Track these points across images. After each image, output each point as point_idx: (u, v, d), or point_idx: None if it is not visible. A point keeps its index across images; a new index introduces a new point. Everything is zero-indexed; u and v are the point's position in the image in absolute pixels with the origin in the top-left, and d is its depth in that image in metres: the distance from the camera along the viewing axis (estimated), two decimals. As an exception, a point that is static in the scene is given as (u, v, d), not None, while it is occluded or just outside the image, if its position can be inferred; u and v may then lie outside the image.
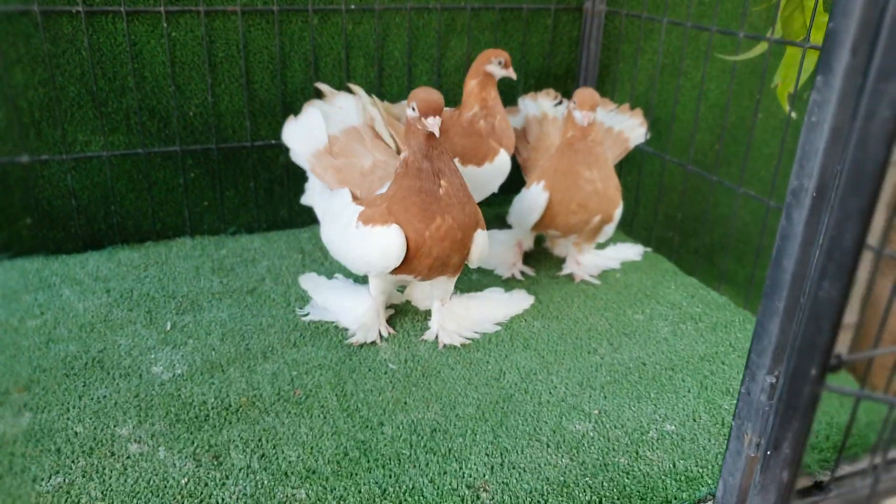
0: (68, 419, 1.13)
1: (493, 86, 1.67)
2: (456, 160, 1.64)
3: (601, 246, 1.78)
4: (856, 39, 0.70)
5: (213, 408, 1.17)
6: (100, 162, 1.65)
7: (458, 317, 1.43)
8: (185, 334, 1.37)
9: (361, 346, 1.35)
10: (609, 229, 1.63)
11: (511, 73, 1.64)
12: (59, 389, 1.20)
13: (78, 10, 1.50)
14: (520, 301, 1.54)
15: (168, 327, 1.39)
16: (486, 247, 1.36)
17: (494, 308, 1.50)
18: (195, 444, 1.09)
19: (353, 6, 1.72)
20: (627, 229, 1.96)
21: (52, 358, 1.28)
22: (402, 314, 1.48)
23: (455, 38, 1.86)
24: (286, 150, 1.56)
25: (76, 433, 1.10)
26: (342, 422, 1.16)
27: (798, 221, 0.79)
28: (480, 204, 1.75)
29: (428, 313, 1.47)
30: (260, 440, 1.11)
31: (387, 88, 1.84)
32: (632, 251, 1.77)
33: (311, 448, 1.10)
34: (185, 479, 1.02)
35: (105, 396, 1.19)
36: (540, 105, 1.81)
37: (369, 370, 1.29)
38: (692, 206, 1.77)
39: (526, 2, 1.89)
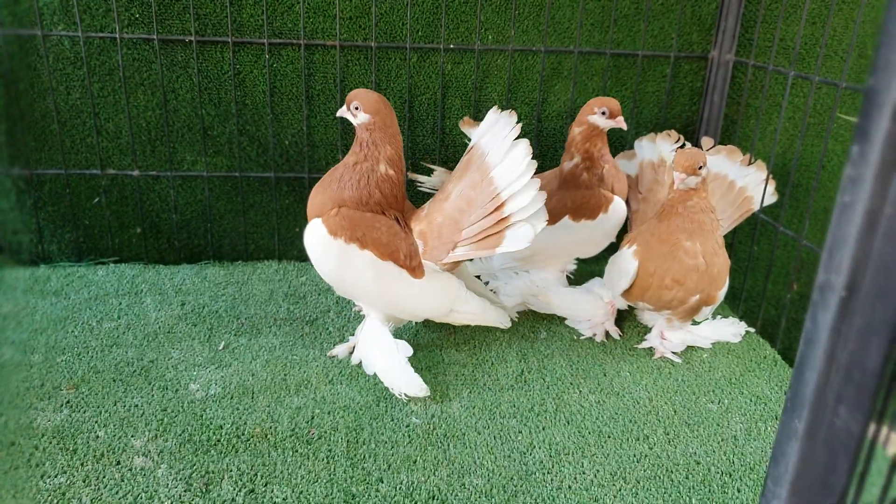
0: (96, 422, 1.18)
1: (601, 138, 1.56)
2: (566, 217, 1.55)
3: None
4: (899, 101, 0.54)
5: (226, 433, 1.17)
6: (202, 181, 1.75)
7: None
8: (233, 356, 1.40)
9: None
10: (708, 310, 1.44)
11: (620, 124, 1.53)
12: (102, 392, 1.26)
13: (191, 39, 1.62)
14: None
15: (221, 346, 1.43)
16: None
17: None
18: (194, 468, 1.09)
19: (452, 45, 1.70)
20: (732, 303, 1.73)
21: (109, 361, 1.35)
22: (441, 369, 1.40)
23: (560, 82, 1.77)
24: None
25: (97, 437, 1.15)
26: (342, 470, 1.10)
27: (824, 326, 0.63)
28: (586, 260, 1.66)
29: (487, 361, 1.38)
30: (255, 474, 1.08)
31: (482, 130, 1.79)
32: (730, 330, 1.55)
33: (301, 493, 1.05)
34: (169, 503, 1.02)
35: (136, 405, 1.23)
36: (658, 148, 1.66)
37: (392, 420, 1.23)
38: (808, 288, 1.52)
39: (642, 48, 1.76)
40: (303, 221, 1.79)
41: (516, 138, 1.27)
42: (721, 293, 1.40)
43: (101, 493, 1.03)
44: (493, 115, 1.33)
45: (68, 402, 1.23)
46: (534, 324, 1.57)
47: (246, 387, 1.30)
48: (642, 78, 1.79)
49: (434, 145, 1.79)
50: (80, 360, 1.35)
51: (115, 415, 1.20)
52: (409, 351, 1.33)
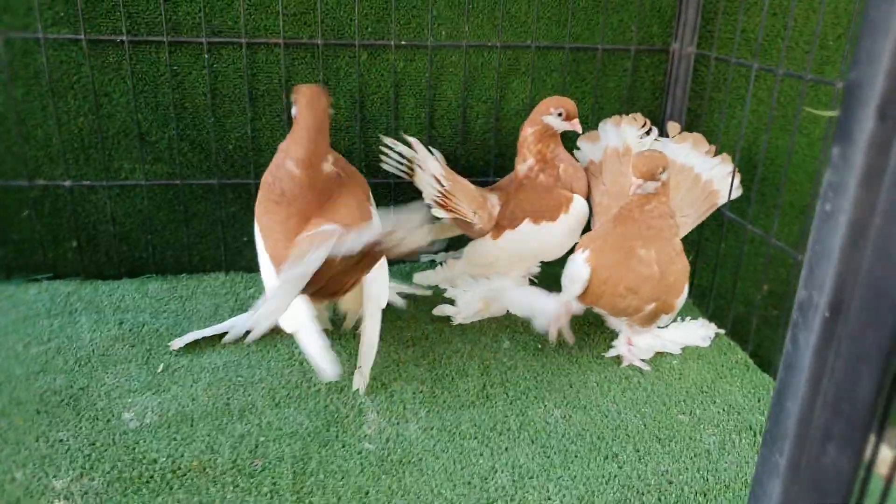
0: (13, 461, 1.07)
1: (554, 139, 1.51)
2: (526, 221, 1.48)
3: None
4: (885, 97, 0.47)
5: (160, 468, 1.07)
6: (141, 190, 1.64)
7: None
8: (172, 379, 1.29)
9: (346, 416, 1.20)
10: (668, 318, 1.38)
11: (576, 127, 1.48)
12: (24, 427, 1.15)
13: (122, 39, 1.50)
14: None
15: (160, 369, 1.32)
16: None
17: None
18: (122, 511, 0.99)
19: (403, 42, 1.61)
20: (701, 302, 1.68)
21: (34, 390, 1.24)
22: (399, 387, 1.32)
23: (518, 79, 1.70)
24: None
25: (13, 479, 1.04)
26: (287, 507, 1.01)
27: (805, 348, 0.56)
28: (549, 263, 1.58)
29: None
30: (190, 516, 0.99)
31: (438, 131, 1.71)
32: (699, 333, 1.49)
33: (240, 535, 0.96)
34: (91, 553, 0.92)
35: (61, 441, 1.12)
36: (623, 133, 1.59)
37: (343, 447, 1.14)
38: (778, 287, 1.47)
39: (602, 41, 1.69)
40: (250, 230, 1.69)
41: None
42: (679, 301, 1.34)
43: (15, 545, 0.92)
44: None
45: (-16, 439, 1.12)
46: (497, 333, 1.50)
47: (185, 413, 1.20)
48: (602, 72, 1.73)
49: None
50: (1, 391, 1.23)
51: (36, 452, 1.09)
52: None
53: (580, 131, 1.49)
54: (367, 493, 1.04)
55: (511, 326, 1.52)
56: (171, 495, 1.02)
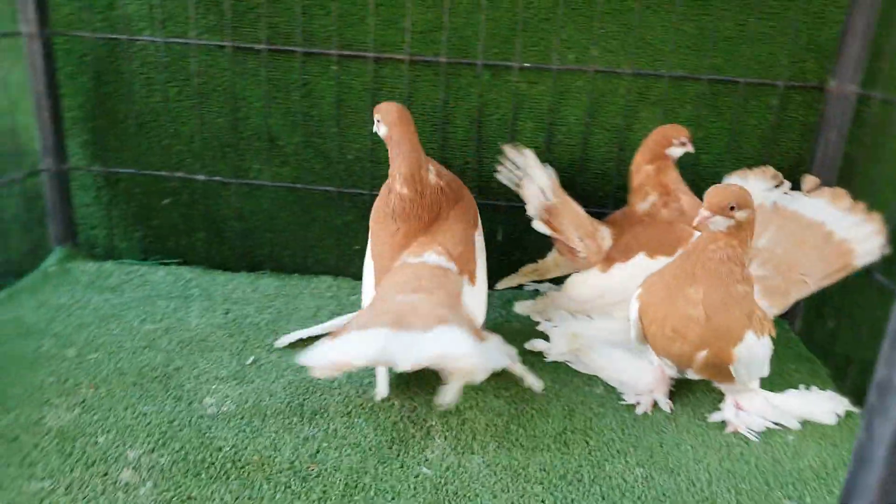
0: (100, 427, 1.14)
1: (673, 167, 1.42)
2: (640, 254, 1.40)
3: (781, 385, 1.34)
4: None
5: (223, 457, 1.09)
6: (266, 191, 1.73)
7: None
8: (257, 373, 1.33)
9: (413, 436, 1.17)
10: (742, 371, 1.21)
11: (691, 148, 1.39)
12: (118, 395, 1.23)
13: (262, 47, 1.60)
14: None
15: (249, 361, 1.37)
16: None
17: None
18: (177, 491, 1.02)
19: (527, 64, 1.57)
20: (838, 374, 1.47)
21: (136, 363, 1.33)
22: (472, 415, 1.26)
23: (647, 109, 1.60)
24: None
25: (96, 442, 1.10)
26: (330, 517, 0.99)
27: (881, 439, 0.45)
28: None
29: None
30: (237, 508, 0.99)
31: (556, 156, 1.65)
32: (825, 407, 1.30)
33: (278, 537, 0.95)
34: (139, 526, 0.95)
35: (144, 414, 1.18)
36: (750, 187, 1.45)
37: (401, 467, 1.10)
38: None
39: (745, 74, 1.55)
40: (362, 238, 1.72)
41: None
42: (739, 351, 1.17)
43: (77, 505, 0.98)
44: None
45: (83, 401, 1.20)
46: (592, 376, 1.40)
47: (260, 408, 1.22)
48: (743, 108, 1.58)
49: (503, 169, 1.66)
50: (110, 360, 1.33)
51: (122, 421, 1.16)
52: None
53: (693, 151, 1.44)
54: (412, 519, 1.00)
55: (607, 370, 1.41)
56: (225, 484, 1.04)
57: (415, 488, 1.06)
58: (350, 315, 1.45)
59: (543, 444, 1.18)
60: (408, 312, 1.11)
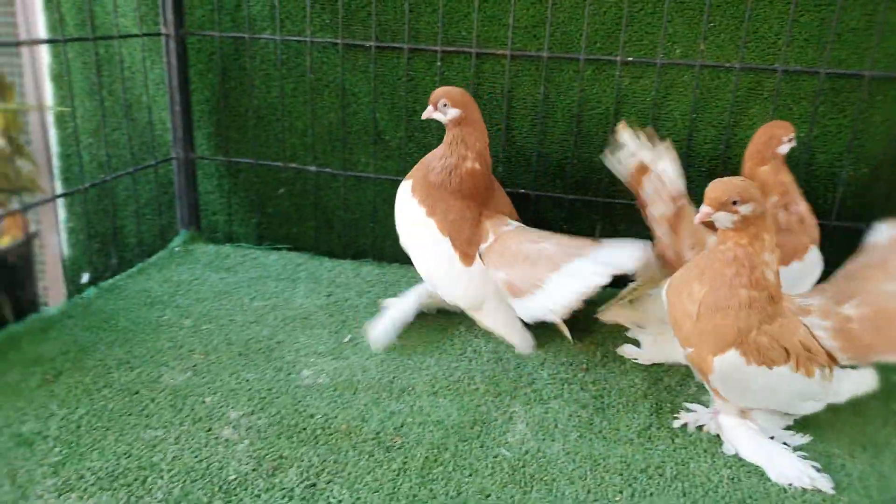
0: (208, 388, 1.24)
1: (786, 166, 1.37)
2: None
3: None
4: None
5: (314, 423, 1.16)
6: (371, 183, 1.81)
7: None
8: (353, 350, 1.40)
9: (494, 420, 1.19)
10: (720, 387, 1.13)
11: (794, 143, 1.34)
12: (226, 362, 1.33)
13: (371, 44, 1.68)
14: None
15: (346, 339, 1.44)
16: None
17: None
18: (270, 450, 1.09)
19: (631, 58, 1.56)
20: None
21: (243, 335, 1.43)
22: (557, 405, 1.26)
23: (757, 105, 1.54)
24: (534, 199, 1.62)
25: (203, 402, 1.21)
26: (409, 486, 1.03)
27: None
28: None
29: None
30: (323, 470, 1.05)
31: (658, 153, 1.61)
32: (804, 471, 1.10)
33: (358, 498, 1.00)
34: (235, 478, 1.03)
35: (247, 380, 1.28)
36: None
37: (480, 447, 1.13)
38: None
39: (871, 68, 1.46)
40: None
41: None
42: (718, 363, 1.08)
43: (183, 454, 1.07)
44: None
45: (195, 366, 1.31)
46: (685, 377, 1.36)
47: (352, 382, 1.29)
48: (869, 104, 1.49)
49: (601, 166, 1.65)
50: (221, 331, 1.44)
51: (227, 385, 1.26)
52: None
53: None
54: (488, 495, 1.02)
55: (701, 371, 1.37)
56: (314, 448, 1.10)
57: (493, 468, 1.08)
58: (419, 287, 1.53)
59: (626, 437, 1.17)
60: (580, 245, 1.30)
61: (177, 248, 1.85)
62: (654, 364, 1.38)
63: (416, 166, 1.47)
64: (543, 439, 1.15)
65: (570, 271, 1.25)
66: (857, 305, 1.13)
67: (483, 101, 1.67)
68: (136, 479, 1.01)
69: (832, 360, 1.12)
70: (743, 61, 1.51)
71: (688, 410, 1.23)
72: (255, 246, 1.91)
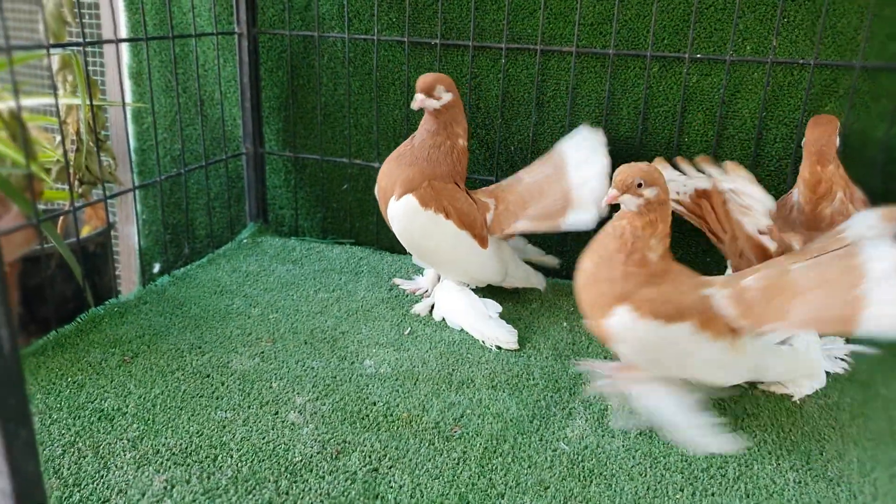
0: (275, 374, 1.29)
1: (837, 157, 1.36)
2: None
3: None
4: None
5: (376, 410, 1.19)
6: (433, 179, 1.83)
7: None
8: (413, 342, 1.42)
9: (554, 415, 1.20)
10: (626, 353, 1.19)
11: None
12: (291, 350, 1.37)
13: (436, 42, 1.70)
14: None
15: (406, 331, 1.47)
16: None
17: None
18: (334, 435, 1.12)
19: (699, 55, 1.53)
20: None
21: (309, 325, 1.47)
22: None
23: (833, 102, 1.49)
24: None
25: (270, 387, 1.25)
26: (468, 475, 1.04)
27: None
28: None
29: None
30: (385, 455, 1.08)
31: (726, 151, 1.58)
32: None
33: (418, 484, 1.02)
34: (300, 460, 1.06)
35: (312, 368, 1.31)
36: None
37: (540, 440, 1.13)
38: None
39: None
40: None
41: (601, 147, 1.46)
42: (609, 326, 1.13)
43: (251, 435, 1.11)
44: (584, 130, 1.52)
45: (262, 352, 1.36)
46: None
47: (413, 373, 1.31)
48: (957, 103, 1.43)
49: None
50: (287, 320, 1.49)
51: (292, 372, 1.30)
52: (498, 308, 1.51)
53: None
54: (547, 487, 1.02)
55: (767, 373, 1.34)
56: (376, 434, 1.13)
57: (551, 461, 1.08)
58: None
59: (689, 436, 1.15)
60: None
61: (245, 240, 1.92)
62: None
63: (401, 179, 1.45)
64: (603, 435, 1.15)
65: (580, 177, 1.44)
66: (757, 279, 1.14)
67: (546, 98, 1.67)
68: (207, 457, 1.06)
69: (733, 328, 1.13)
70: (818, 58, 1.47)
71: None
72: (319, 240, 1.96)
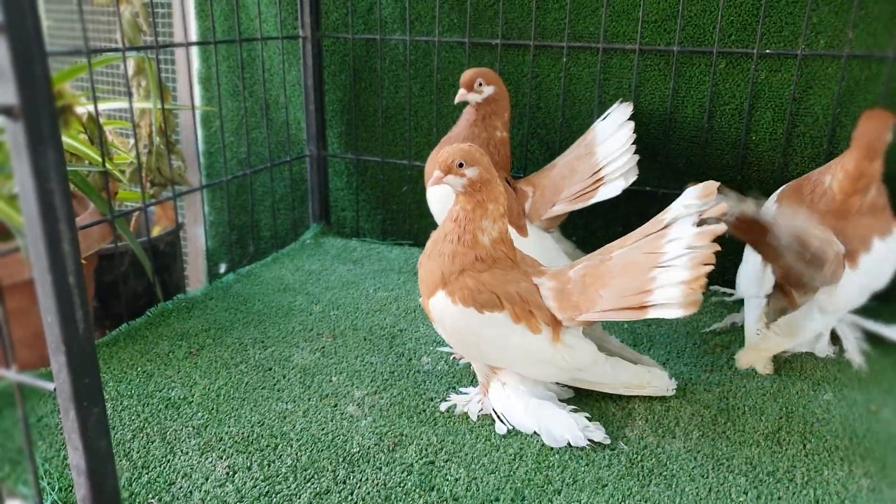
0: (335, 369, 1.31)
1: None
2: (875, 238, 1.30)
3: None
4: None
5: (433, 405, 1.19)
6: (492, 180, 1.82)
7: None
8: (471, 341, 1.42)
9: (614, 415, 1.17)
10: (447, 336, 1.21)
11: None
12: (351, 345, 1.39)
13: (497, 42, 1.70)
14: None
15: (464, 331, 1.46)
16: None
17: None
18: (392, 428, 1.13)
19: (768, 50, 1.49)
20: None
21: (368, 322, 1.49)
22: (678, 403, 1.22)
23: (912, 97, 1.43)
24: (661, 196, 1.60)
25: (330, 381, 1.27)
26: (524, 471, 1.03)
27: None
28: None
29: None
30: (441, 449, 1.08)
31: (796, 150, 1.53)
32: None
33: (474, 478, 1.02)
34: (357, 451, 1.07)
35: (371, 363, 1.33)
36: None
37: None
38: None
39: None
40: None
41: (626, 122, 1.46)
42: (431, 306, 1.14)
43: (311, 426, 1.13)
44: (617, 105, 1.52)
45: (323, 347, 1.38)
46: (821, 382, 1.28)
47: (469, 371, 1.31)
48: None
49: (734, 163, 1.59)
50: (347, 317, 1.51)
51: (352, 367, 1.31)
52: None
53: None
54: (605, 485, 1.01)
55: (840, 380, 1.29)
56: (433, 428, 1.13)
57: (609, 459, 1.06)
58: None
59: (753, 439, 1.11)
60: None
61: (308, 241, 1.96)
62: (785, 369, 1.31)
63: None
64: (663, 436, 1.12)
65: (606, 152, 1.45)
66: (579, 269, 1.13)
67: (608, 97, 1.65)
68: (268, 446, 1.08)
69: (556, 321, 1.11)
70: (898, 50, 1.41)
71: (458, 393, 1.23)
72: (379, 241, 1.98)
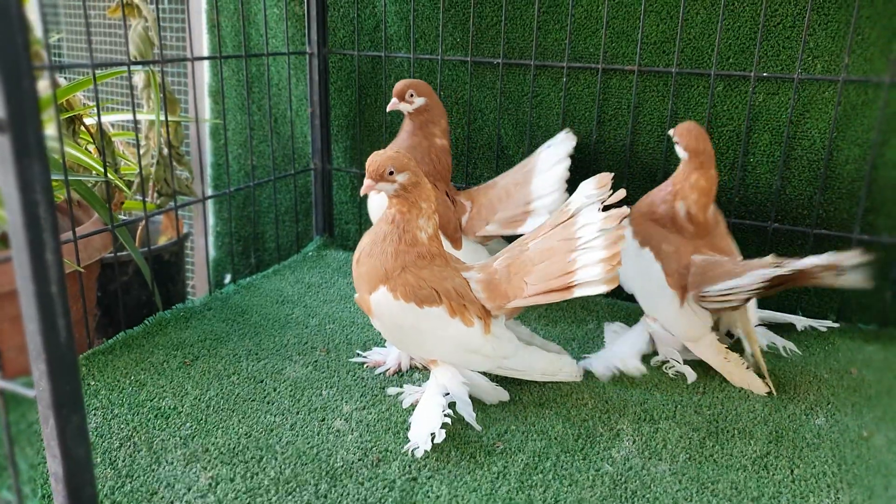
0: (326, 382, 1.31)
1: None
2: None
3: None
4: None
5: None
6: (492, 197, 1.84)
7: None
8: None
9: (600, 435, 1.17)
10: (384, 331, 1.26)
11: None
12: (343, 360, 1.40)
13: (498, 61, 1.72)
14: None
15: (458, 347, 1.47)
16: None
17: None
18: (377, 443, 1.13)
19: (766, 74, 1.49)
20: None
21: (362, 337, 1.50)
22: (667, 425, 1.22)
23: (910, 122, 1.42)
24: None
25: (320, 395, 1.28)
26: (506, 490, 1.03)
27: None
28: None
29: None
30: (424, 466, 1.08)
31: (793, 172, 1.53)
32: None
33: (455, 496, 1.02)
34: (341, 465, 1.08)
35: (363, 378, 1.34)
36: None
37: (583, 459, 1.11)
38: None
39: None
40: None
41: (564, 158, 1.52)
42: (374, 300, 1.19)
43: (297, 439, 1.14)
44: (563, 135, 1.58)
45: (316, 361, 1.40)
46: (814, 406, 1.27)
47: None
48: None
49: (731, 184, 1.59)
50: (342, 331, 1.52)
51: (343, 381, 1.32)
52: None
53: None
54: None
55: (834, 404, 1.27)
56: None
57: (593, 480, 1.06)
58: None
59: (740, 464, 1.11)
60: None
61: (310, 253, 1.98)
62: (779, 392, 1.30)
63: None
64: (649, 458, 1.12)
65: (539, 185, 1.51)
66: (501, 260, 1.21)
67: (607, 116, 1.66)
68: (252, 458, 1.09)
69: (486, 312, 1.20)
70: (895, 76, 1.40)
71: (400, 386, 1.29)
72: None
